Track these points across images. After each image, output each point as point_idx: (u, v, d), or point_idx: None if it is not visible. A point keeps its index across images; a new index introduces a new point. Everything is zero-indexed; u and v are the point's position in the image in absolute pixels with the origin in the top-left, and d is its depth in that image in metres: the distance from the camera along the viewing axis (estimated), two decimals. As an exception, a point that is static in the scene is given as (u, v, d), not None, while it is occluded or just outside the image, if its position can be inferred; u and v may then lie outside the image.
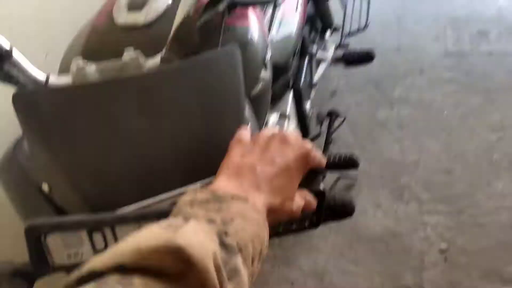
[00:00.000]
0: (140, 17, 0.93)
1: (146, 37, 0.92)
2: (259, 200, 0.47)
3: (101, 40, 0.95)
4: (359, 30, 2.16)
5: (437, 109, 2.17)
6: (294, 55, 1.48)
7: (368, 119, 2.17)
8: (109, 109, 0.58)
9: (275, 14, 1.35)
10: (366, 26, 2.15)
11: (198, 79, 0.63)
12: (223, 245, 0.38)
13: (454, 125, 2.07)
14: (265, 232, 0.45)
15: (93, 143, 0.59)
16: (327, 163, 1.57)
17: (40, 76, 0.76)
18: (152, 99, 0.60)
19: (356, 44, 2.57)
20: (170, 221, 0.39)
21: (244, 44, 0.95)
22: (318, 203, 0.60)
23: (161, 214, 0.52)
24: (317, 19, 1.98)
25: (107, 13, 0.98)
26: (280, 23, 1.40)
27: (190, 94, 0.62)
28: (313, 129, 1.67)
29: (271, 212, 0.49)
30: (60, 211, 0.65)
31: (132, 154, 0.59)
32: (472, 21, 2.70)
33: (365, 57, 1.94)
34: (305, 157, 0.53)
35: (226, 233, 0.40)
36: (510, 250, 1.59)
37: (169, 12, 0.95)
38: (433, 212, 1.75)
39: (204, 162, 0.59)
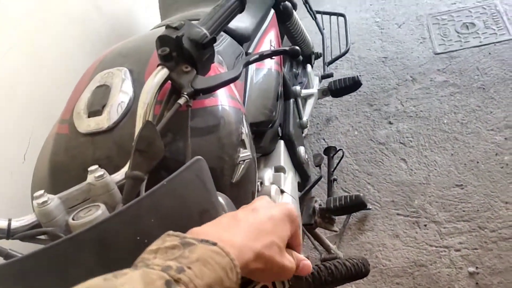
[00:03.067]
0: (102, 122, 0.87)
1: (112, 141, 0.86)
2: (235, 240, 0.47)
3: (67, 151, 0.89)
4: (340, 56, 2.10)
5: (436, 118, 2.09)
6: (277, 102, 1.41)
7: (368, 142, 2.10)
8: (67, 274, 0.52)
9: (248, 73, 1.29)
10: (347, 50, 2.09)
11: (163, 212, 0.56)
12: None
13: (457, 132, 1.99)
14: (233, 277, 0.43)
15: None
16: (332, 208, 1.49)
17: (1, 223, 0.70)
18: (113, 250, 0.53)
19: (341, 63, 2.53)
20: (119, 271, 0.38)
21: (216, 126, 0.89)
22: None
23: None
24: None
25: (68, 121, 0.92)
26: (255, 77, 1.34)
27: (157, 230, 0.55)
28: (313, 173, 1.60)
29: (257, 259, 0.48)
30: None
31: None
32: (456, 13, 2.63)
33: (352, 85, 1.87)
34: (289, 213, 0.56)
35: (178, 281, 0.38)
36: (543, 261, 1.50)
37: (134, 107, 0.89)
38: (454, 233, 1.66)
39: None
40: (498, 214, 1.66)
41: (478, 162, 1.84)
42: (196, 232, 0.49)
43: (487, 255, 1.56)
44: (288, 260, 0.54)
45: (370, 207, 1.80)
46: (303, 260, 0.57)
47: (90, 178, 0.73)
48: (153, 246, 0.44)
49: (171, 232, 0.46)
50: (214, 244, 0.44)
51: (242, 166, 0.90)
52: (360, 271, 1.03)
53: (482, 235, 1.62)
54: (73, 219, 0.68)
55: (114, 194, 0.72)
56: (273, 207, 0.56)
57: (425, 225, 1.71)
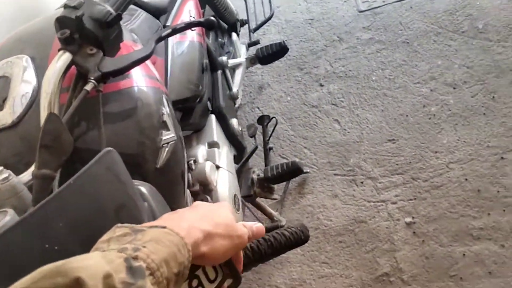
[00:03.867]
0: (5, 117, 0.79)
1: (18, 137, 0.79)
2: (184, 224, 0.49)
3: (-32, 154, 0.81)
4: (265, 21, 2.05)
5: (365, 76, 2.11)
6: (203, 75, 1.36)
7: (301, 106, 2.10)
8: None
9: (168, 48, 1.22)
10: (271, 15, 2.05)
11: (73, 214, 0.51)
12: (130, 269, 0.38)
13: (386, 88, 2.03)
14: (185, 253, 0.46)
15: None
16: (271, 177, 1.48)
17: None
18: (19, 263, 0.48)
19: (268, 28, 2.49)
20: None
21: (134, 109, 0.83)
22: None
23: None
24: (219, 21, 1.86)
25: (-34, 120, 0.83)
26: (176, 51, 1.27)
27: (68, 234, 0.51)
28: (249, 144, 1.58)
29: (207, 238, 0.51)
30: None
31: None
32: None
33: (279, 51, 1.85)
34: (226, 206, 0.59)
35: (135, 258, 0.40)
36: (471, 204, 1.58)
37: (39, 97, 0.81)
38: (389, 186, 1.71)
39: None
40: (429, 164, 1.72)
41: (407, 115, 1.90)
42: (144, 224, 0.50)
43: (421, 204, 1.63)
44: (239, 228, 0.56)
45: (308, 171, 1.82)
46: (253, 225, 0.61)
47: (-6, 181, 0.66)
48: (104, 237, 0.45)
49: (119, 224, 0.47)
50: (163, 227, 0.46)
51: (167, 149, 0.86)
52: (299, 239, 1.03)
53: (415, 186, 1.68)
54: (-23, 230, 0.61)
55: (24, 196, 0.66)
56: (211, 204, 0.58)
57: (362, 182, 1.76)
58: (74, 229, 0.51)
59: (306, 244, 1.66)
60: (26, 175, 0.69)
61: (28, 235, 0.48)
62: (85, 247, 0.52)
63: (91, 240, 0.53)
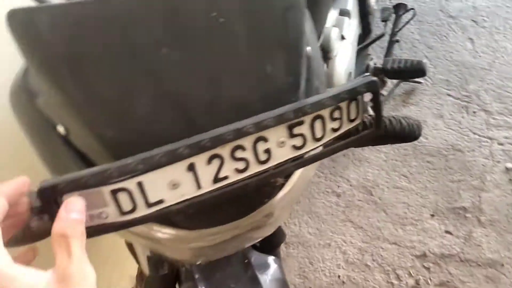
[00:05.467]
0: None
1: None
2: None
3: None
4: None
5: (521, 1, 1.85)
6: None
7: (437, 12, 1.88)
8: (130, 33, 0.44)
9: None
10: None
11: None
12: None
13: (540, 22, 1.77)
14: None
15: (111, 75, 0.46)
16: (389, 69, 1.37)
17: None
18: (183, 20, 0.45)
19: None
20: None
21: None
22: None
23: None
24: None
25: None
26: None
27: (237, 10, 0.47)
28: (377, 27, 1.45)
29: None
30: (81, 155, 0.53)
31: (164, 89, 0.47)
32: None
33: None
34: None
35: None
36: None
37: None
38: (502, 126, 1.56)
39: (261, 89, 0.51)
40: (556, 117, 1.54)
41: (552, 59, 1.67)
42: None
43: (530, 155, 1.49)
44: None
45: (421, 81, 1.68)
46: None
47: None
48: None
49: None
50: None
51: None
52: (413, 133, 0.95)
53: (531, 135, 1.52)
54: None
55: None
56: None
57: (474, 112, 1.61)
58: (243, 5, 0.48)
59: (392, 151, 1.59)
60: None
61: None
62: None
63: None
